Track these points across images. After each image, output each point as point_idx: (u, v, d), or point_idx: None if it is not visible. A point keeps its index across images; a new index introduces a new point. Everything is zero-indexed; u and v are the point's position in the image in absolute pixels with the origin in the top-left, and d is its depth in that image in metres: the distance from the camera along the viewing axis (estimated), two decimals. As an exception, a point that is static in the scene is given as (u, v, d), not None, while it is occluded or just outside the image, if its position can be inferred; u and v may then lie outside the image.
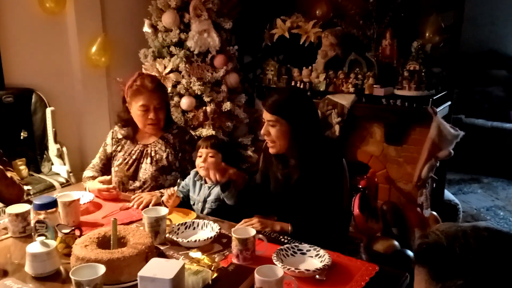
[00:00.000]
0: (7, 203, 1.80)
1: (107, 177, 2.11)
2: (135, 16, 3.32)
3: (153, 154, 2.17)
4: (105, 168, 2.28)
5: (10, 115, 2.79)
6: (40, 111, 2.95)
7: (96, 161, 2.30)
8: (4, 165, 1.98)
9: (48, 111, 2.93)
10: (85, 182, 2.21)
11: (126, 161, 2.20)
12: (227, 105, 3.13)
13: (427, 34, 3.14)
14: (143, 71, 3.18)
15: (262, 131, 1.78)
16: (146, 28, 3.18)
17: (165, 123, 2.20)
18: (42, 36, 3.08)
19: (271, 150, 1.80)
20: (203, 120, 3.09)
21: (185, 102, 3.08)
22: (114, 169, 2.24)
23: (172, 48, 3.11)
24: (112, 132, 2.31)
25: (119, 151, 2.24)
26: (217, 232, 1.62)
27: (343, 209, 1.86)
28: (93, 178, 2.18)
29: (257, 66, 3.71)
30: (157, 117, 2.13)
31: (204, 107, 3.09)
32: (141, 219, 1.76)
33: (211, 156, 2.01)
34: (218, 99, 3.12)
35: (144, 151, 2.19)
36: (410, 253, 2.63)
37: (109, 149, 2.27)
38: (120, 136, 2.27)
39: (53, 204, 1.58)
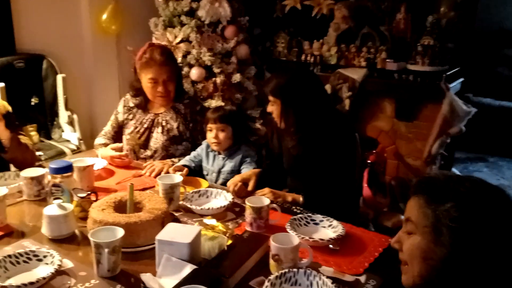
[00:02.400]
0: (20, 168, 1.82)
1: (119, 145, 2.12)
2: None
3: (164, 124, 2.17)
4: (117, 136, 2.29)
5: (21, 81, 2.78)
6: (51, 77, 2.94)
7: (108, 128, 2.31)
8: (17, 129, 1.99)
9: (59, 77, 2.92)
10: (96, 149, 2.22)
11: (137, 129, 2.20)
12: (236, 77, 3.11)
13: (442, 9, 3.09)
14: (154, 40, 3.15)
15: (267, 109, 1.81)
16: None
17: (176, 93, 2.19)
18: (54, 2, 3.04)
19: (279, 126, 1.81)
20: (212, 91, 3.07)
21: (195, 73, 3.05)
22: (125, 137, 2.24)
23: (183, 18, 3.07)
24: (124, 100, 2.31)
25: (131, 119, 2.24)
26: (230, 201, 1.64)
27: (355, 182, 1.87)
28: (105, 145, 2.20)
29: (268, 38, 3.67)
30: (166, 89, 2.13)
31: (213, 78, 3.07)
32: (154, 186, 1.78)
33: (222, 130, 2.00)
34: (228, 70, 3.10)
35: (155, 120, 2.19)
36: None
37: (120, 117, 2.27)
38: (131, 105, 2.27)
39: (69, 168, 1.59)
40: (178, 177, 1.66)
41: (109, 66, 3.33)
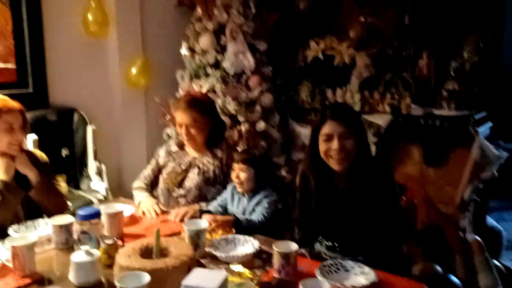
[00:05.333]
0: (50, 214, 1.84)
1: (163, 208, 2.13)
2: (173, 39, 3.41)
3: (200, 166, 2.23)
4: (156, 181, 2.34)
5: (53, 133, 2.88)
6: (81, 130, 3.03)
7: (148, 172, 2.36)
8: (51, 176, 2.04)
9: (89, 129, 3.01)
10: (135, 191, 2.27)
11: (175, 170, 2.26)
12: (261, 125, 3.15)
13: (465, 54, 3.09)
14: (180, 92, 3.26)
15: (338, 146, 1.69)
16: (184, 51, 3.26)
17: (211, 139, 2.25)
18: (85, 58, 3.20)
19: (343, 165, 1.72)
20: (237, 139, 3.11)
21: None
22: (162, 176, 2.29)
23: (208, 69, 3.18)
24: (166, 145, 2.43)
25: (170, 162, 2.31)
26: (257, 248, 1.60)
27: (401, 224, 1.81)
28: (144, 189, 2.25)
29: (291, 87, 3.73)
30: (188, 134, 2.19)
31: (238, 127, 3.11)
32: (179, 232, 1.77)
33: (243, 171, 2.02)
34: (252, 119, 3.15)
35: (193, 163, 2.25)
36: (453, 278, 2.52)
37: (161, 161, 2.34)
38: (173, 149, 2.35)
39: (97, 215, 1.60)
40: (204, 223, 1.65)
41: (137, 118, 3.43)
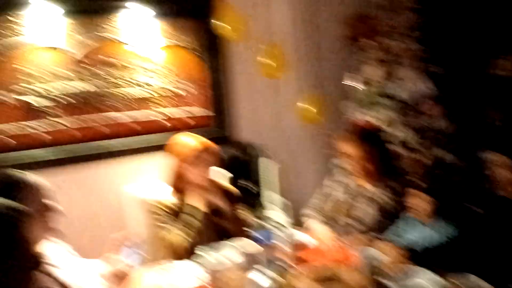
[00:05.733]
0: (233, 238, 2.07)
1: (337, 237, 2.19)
2: (339, 72, 3.46)
3: (371, 196, 2.22)
4: (323, 210, 2.41)
5: (237, 168, 3.21)
6: (262, 164, 3.31)
7: (317, 201, 2.45)
8: (238, 206, 2.35)
9: (270, 164, 3.26)
10: (307, 219, 2.38)
11: (343, 199, 2.30)
12: (438, 152, 2.96)
13: None
14: (348, 124, 3.26)
15: None
16: (350, 82, 3.30)
17: (382, 169, 2.23)
18: (264, 97, 3.48)
19: None
20: (413, 167, 2.96)
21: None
22: (330, 205, 2.35)
23: (378, 98, 3.14)
24: (334, 175, 2.48)
25: (338, 191, 2.36)
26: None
27: None
28: (316, 217, 2.35)
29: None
30: (360, 165, 2.21)
31: (414, 155, 2.98)
32: (354, 260, 1.76)
33: (420, 199, 1.96)
34: (430, 146, 2.98)
35: (364, 192, 2.25)
36: None
37: (329, 190, 2.41)
38: (341, 179, 2.39)
39: (276, 240, 1.72)
40: (378, 254, 1.63)
41: (310, 150, 3.57)
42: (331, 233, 2.17)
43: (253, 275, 1.56)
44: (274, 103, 3.54)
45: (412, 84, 3.02)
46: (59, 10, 2.69)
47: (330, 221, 2.29)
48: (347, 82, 3.34)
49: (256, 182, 3.34)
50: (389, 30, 3.19)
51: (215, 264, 1.67)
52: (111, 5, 2.85)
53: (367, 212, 2.18)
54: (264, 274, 1.52)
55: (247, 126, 3.43)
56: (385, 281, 1.54)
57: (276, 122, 3.55)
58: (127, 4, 2.89)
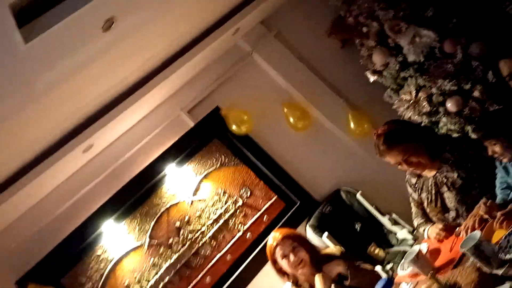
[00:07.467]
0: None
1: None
2: (358, 75, 3.43)
3: (445, 181, 2.13)
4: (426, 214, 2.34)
5: (336, 220, 3.23)
6: (354, 200, 3.30)
7: (414, 209, 2.40)
8: (356, 259, 2.35)
9: (359, 196, 3.25)
10: (419, 228, 2.33)
11: (429, 199, 2.22)
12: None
13: None
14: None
15: None
16: (371, 77, 3.27)
17: (431, 152, 2.16)
18: (304, 147, 3.51)
19: None
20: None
21: (450, 104, 2.88)
22: (428, 211, 2.29)
23: (402, 73, 3.07)
24: (407, 181, 2.42)
25: (422, 194, 2.29)
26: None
27: None
28: (424, 222, 2.29)
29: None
30: (412, 165, 2.16)
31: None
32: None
33: (494, 144, 1.86)
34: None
35: (438, 182, 2.18)
36: None
37: (415, 197, 2.36)
38: (413, 182, 2.34)
39: (389, 283, 1.72)
40: (477, 233, 1.55)
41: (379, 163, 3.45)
42: (440, 224, 2.11)
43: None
44: (319, 142, 3.56)
45: (417, 39, 2.92)
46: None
47: (435, 220, 2.24)
48: (371, 78, 3.30)
49: (365, 216, 3.31)
50: (367, 11, 3.18)
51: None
52: (155, 183, 3.21)
53: (454, 198, 2.10)
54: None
55: (318, 177, 3.46)
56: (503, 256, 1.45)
57: (343, 158, 3.56)
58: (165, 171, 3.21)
